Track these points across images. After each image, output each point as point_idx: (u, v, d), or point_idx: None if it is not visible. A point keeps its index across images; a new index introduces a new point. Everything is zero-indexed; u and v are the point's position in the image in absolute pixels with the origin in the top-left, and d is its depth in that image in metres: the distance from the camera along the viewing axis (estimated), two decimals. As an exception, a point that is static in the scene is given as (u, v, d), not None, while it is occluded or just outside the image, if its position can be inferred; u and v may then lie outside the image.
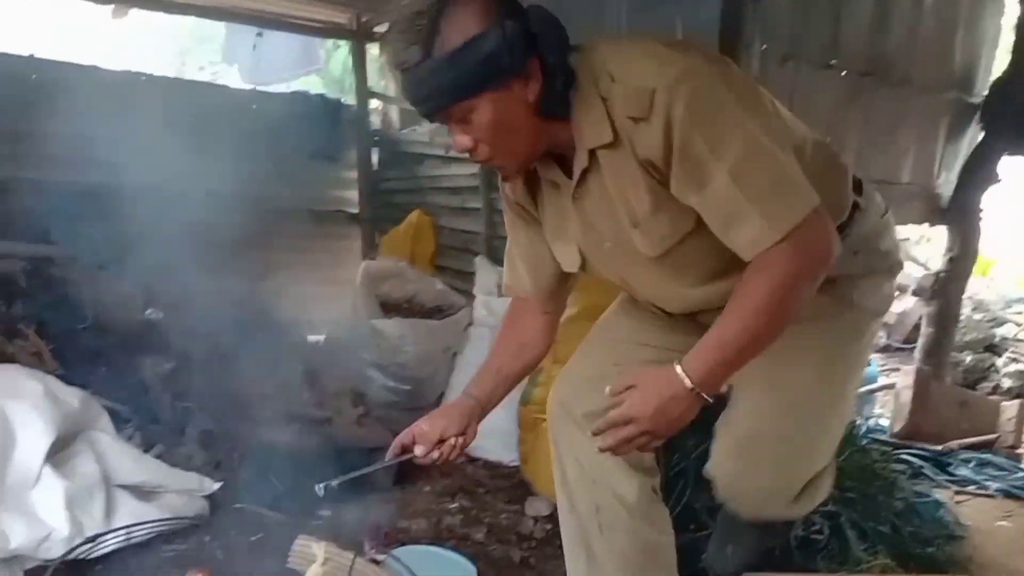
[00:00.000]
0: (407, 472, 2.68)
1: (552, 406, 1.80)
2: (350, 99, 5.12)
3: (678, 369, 1.30)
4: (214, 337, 2.96)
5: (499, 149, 1.36)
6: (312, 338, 3.65)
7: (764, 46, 2.70)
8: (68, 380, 2.38)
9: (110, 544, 1.92)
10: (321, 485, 1.59)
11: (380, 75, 5.10)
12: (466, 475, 2.86)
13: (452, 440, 1.59)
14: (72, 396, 2.27)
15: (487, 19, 1.26)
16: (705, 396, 1.31)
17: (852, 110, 3.21)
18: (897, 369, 4.46)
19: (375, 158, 5.06)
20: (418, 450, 1.58)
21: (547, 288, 1.68)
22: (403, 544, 2.22)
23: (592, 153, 1.37)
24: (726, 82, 1.28)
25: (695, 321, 1.55)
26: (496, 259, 3.67)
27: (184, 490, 2.30)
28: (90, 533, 1.94)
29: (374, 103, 5.08)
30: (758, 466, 1.63)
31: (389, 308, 3.41)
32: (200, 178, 3.66)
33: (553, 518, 2.55)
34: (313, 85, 7.10)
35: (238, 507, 2.33)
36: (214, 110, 4.01)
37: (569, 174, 1.44)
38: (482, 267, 3.41)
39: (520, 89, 1.30)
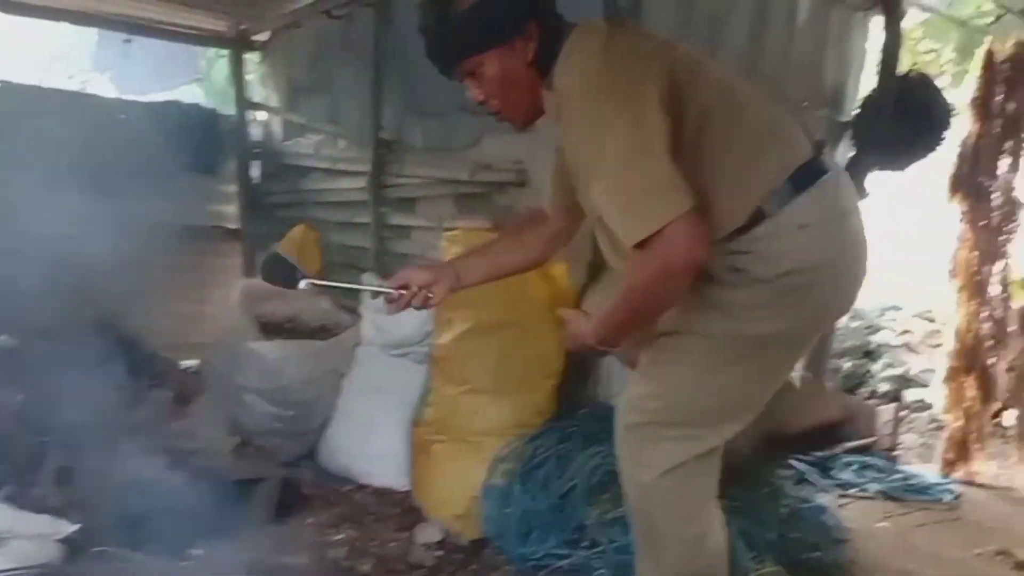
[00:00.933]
0: (288, 504, 2.54)
1: None
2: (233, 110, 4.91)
3: (585, 326, 1.70)
4: (75, 365, 2.73)
5: (506, 102, 1.61)
6: (185, 363, 3.44)
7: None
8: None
9: (-58, 602, 1.72)
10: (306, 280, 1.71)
11: (262, 85, 4.91)
12: (353, 503, 2.73)
13: (415, 289, 1.72)
14: (-100, 436, 2.04)
15: None
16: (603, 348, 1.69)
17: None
18: (781, 376, 4.60)
19: (256, 171, 4.84)
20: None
21: (564, 204, 1.86)
22: (282, 582, 2.10)
23: None
24: (617, 91, 1.42)
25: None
26: (386, 275, 3.56)
27: (35, 535, 2.10)
28: (-82, 591, 1.74)
29: (257, 114, 4.88)
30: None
31: (270, 329, 3.25)
32: (62, 192, 3.41)
33: (443, 544, 2.47)
34: (195, 95, 6.81)
35: (98, 550, 2.15)
36: (78, 120, 3.73)
37: None
38: (371, 284, 3.29)
39: (521, 47, 1.55)
